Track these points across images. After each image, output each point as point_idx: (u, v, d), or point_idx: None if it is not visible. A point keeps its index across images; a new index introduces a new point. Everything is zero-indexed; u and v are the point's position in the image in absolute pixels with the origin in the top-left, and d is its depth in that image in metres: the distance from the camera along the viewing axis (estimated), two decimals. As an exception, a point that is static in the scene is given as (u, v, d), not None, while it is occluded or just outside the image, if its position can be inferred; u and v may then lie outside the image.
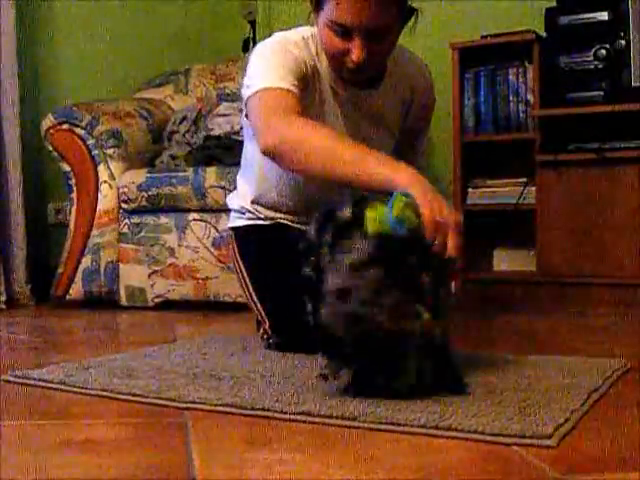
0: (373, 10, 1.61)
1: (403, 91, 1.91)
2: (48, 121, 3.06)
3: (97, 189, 3.02)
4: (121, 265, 2.99)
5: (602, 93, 3.07)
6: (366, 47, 1.65)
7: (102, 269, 3.00)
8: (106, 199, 3.02)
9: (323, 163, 1.51)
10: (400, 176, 1.39)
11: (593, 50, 3.07)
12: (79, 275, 3.02)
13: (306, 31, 1.81)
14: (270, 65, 1.71)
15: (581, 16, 3.09)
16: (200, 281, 2.90)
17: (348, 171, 1.47)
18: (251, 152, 1.93)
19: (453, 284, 1.37)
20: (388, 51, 1.74)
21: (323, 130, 1.59)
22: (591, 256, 3.06)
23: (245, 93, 1.74)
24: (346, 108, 1.84)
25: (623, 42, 3.01)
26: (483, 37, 3.36)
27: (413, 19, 1.74)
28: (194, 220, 2.91)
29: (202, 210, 2.90)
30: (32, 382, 1.52)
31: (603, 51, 3.04)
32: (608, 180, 3.03)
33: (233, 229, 2.05)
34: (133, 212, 2.99)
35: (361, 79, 1.79)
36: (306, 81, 1.74)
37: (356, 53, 1.66)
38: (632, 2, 2.99)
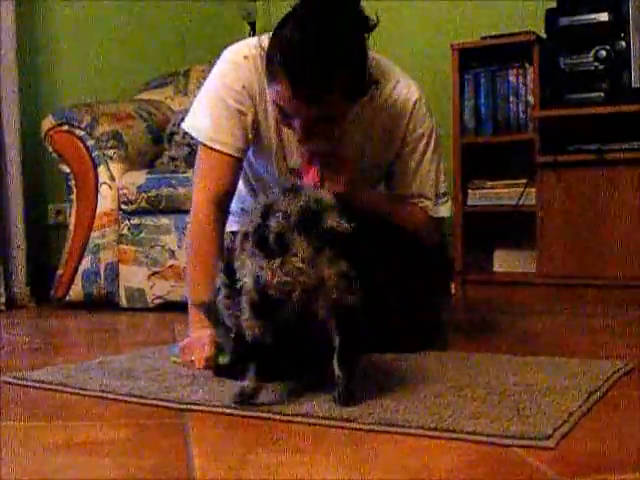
0: (310, 103, 1.52)
1: (380, 120, 1.82)
2: (48, 122, 3.05)
3: (97, 190, 3.02)
4: (121, 266, 2.99)
5: (602, 94, 3.07)
6: (310, 128, 1.58)
7: (102, 270, 3.00)
8: (106, 200, 3.01)
9: (186, 279, 1.83)
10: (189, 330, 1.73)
11: (593, 51, 3.07)
12: (79, 276, 3.01)
13: (255, 47, 1.73)
14: (214, 114, 1.76)
15: (581, 17, 3.08)
16: (200, 282, 2.89)
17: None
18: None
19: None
20: (338, 125, 1.65)
21: (206, 261, 1.71)
22: (591, 257, 3.05)
23: (192, 126, 1.81)
24: None
25: (623, 43, 3.01)
26: (483, 38, 3.36)
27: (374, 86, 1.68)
28: (194, 221, 2.91)
29: (202, 211, 2.89)
30: (32, 383, 1.52)
31: (603, 52, 3.04)
32: (608, 181, 3.03)
33: (232, 233, 2.04)
34: (133, 213, 2.99)
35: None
36: (253, 104, 1.76)
37: (297, 135, 1.62)
38: (632, 3, 2.99)
